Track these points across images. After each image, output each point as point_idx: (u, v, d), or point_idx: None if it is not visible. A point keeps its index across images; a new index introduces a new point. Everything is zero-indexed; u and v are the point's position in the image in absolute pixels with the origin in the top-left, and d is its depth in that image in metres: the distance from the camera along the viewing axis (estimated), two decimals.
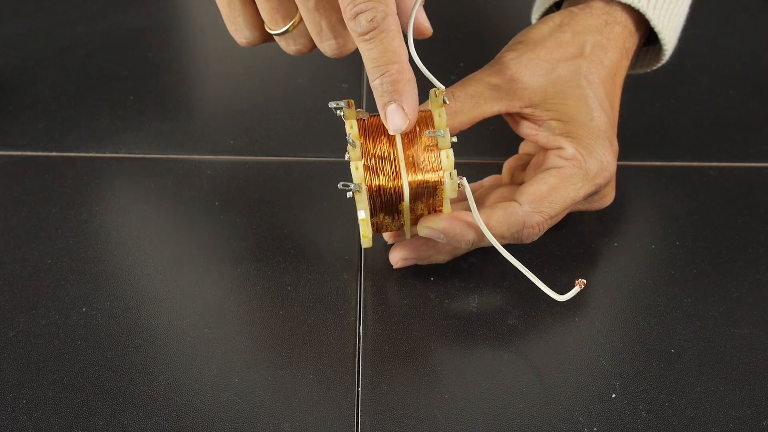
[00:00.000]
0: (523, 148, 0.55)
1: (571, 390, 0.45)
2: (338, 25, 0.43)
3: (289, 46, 0.46)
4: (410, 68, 0.42)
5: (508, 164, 0.54)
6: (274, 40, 0.46)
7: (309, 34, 0.45)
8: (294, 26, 0.45)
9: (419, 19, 0.45)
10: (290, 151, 0.60)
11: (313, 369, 0.45)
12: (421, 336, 0.47)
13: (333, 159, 0.59)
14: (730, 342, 0.47)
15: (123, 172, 0.58)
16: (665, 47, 0.54)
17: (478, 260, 0.51)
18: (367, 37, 0.41)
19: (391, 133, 0.43)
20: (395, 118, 0.42)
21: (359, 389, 0.45)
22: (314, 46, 0.46)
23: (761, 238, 0.53)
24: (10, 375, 0.45)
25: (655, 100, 0.64)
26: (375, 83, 0.42)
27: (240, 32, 0.46)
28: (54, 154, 0.59)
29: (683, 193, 0.57)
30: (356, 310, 0.49)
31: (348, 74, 0.67)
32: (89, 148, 0.59)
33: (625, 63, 0.52)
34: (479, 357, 0.46)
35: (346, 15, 0.41)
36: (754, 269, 0.52)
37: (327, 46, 0.44)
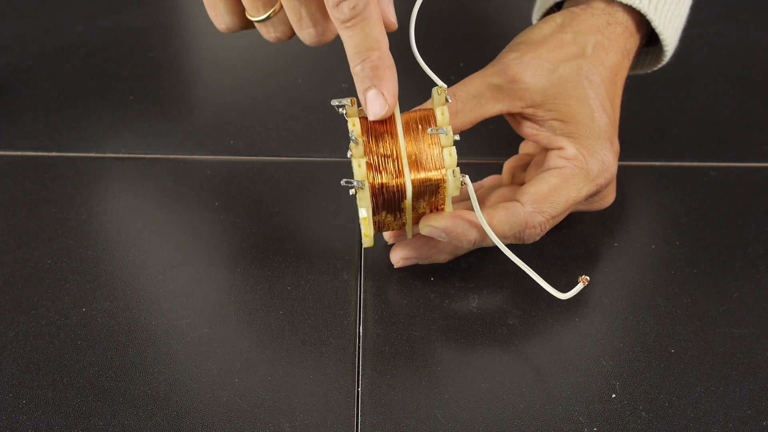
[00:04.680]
0: (524, 148, 0.55)
1: (571, 390, 0.45)
2: (317, 14, 0.44)
3: (269, 33, 0.47)
4: (390, 55, 0.43)
5: (508, 164, 0.54)
6: (254, 26, 0.47)
7: (289, 22, 0.45)
8: (274, 13, 0.45)
9: (385, 12, 0.46)
10: (290, 151, 0.60)
11: (313, 369, 0.45)
12: (421, 336, 0.47)
13: (333, 159, 0.59)
14: (730, 342, 0.47)
15: (123, 172, 0.58)
16: (666, 48, 0.54)
17: (478, 260, 0.51)
18: (349, 24, 0.42)
19: (370, 119, 0.44)
20: (375, 104, 0.43)
21: (359, 389, 0.45)
22: (293, 33, 0.46)
23: (761, 238, 0.53)
24: (10, 375, 0.45)
25: (656, 100, 0.64)
26: (356, 69, 0.43)
27: (220, 18, 0.47)
28: (54, 154, 0.59)
29: (683, 193, 0.57)
30: (356, 310, 0.49)
31: (348, 74, 0.66)
32: (89, 148, 0.59)
33: (627, 63, 0.52)
34: (479, 357, 0.46)
35: (329, 3, 0.42)
36: (754, 269, 0.52)
37: (306, 34, 0.45)
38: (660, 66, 0.56)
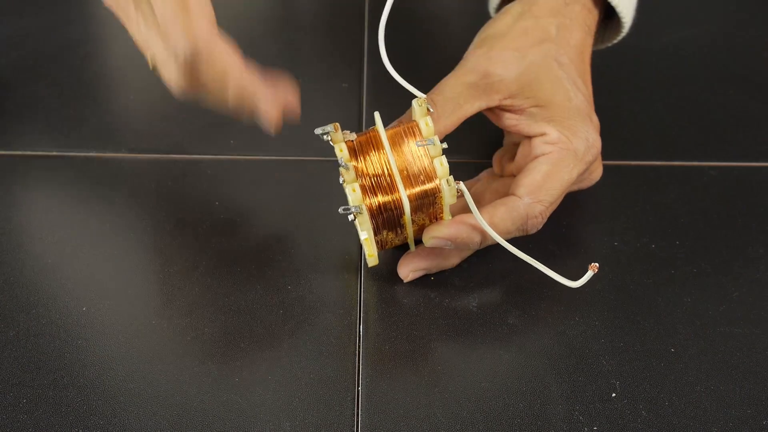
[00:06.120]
0: (508, 138, 0.55)
1: (571, 390, 0.45)
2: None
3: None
4: (249, 75, 0.46)
5: (497, 156, 0.54)
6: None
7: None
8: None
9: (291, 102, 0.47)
10: (290, 151, 0.60)
11: (313, 369, 0.45)
12: (422, 335, 0.47)
13: (333, 159, 0.59)
14: (730, 342, 0.47)
15: (123, 172, 0.58)
16: (624, 20, 0.54)
17: (479, 260, 0.51)
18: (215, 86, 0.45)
19: (272, 133, 0.47)
20: (265, 121, 0.46)
21: (359, 389, 0.45)
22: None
23: (761, 238, 0.53)
24: (10, 374, 0.45)
25: (656, 100, 0.64)
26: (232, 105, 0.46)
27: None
28: (54, 154, 0.59)
29: (683, 193, 0.57)
30: (356, 310, 0.49)
31: (348, 74, 0.67)
32: (89, 148, 0.59)
33: (590, 41, 0.53)
34: (479, 356, 0.46)
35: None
36: (754, 269, 0.52)
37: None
38: (620, 38, 0.57)
